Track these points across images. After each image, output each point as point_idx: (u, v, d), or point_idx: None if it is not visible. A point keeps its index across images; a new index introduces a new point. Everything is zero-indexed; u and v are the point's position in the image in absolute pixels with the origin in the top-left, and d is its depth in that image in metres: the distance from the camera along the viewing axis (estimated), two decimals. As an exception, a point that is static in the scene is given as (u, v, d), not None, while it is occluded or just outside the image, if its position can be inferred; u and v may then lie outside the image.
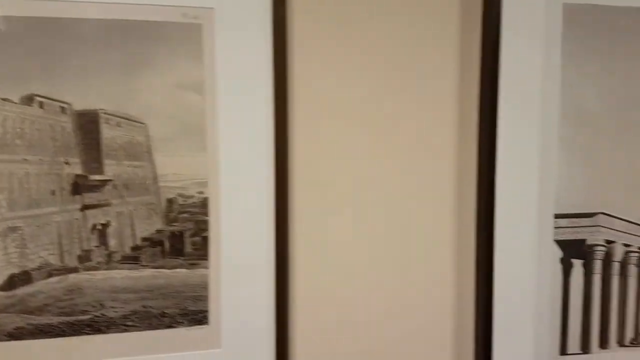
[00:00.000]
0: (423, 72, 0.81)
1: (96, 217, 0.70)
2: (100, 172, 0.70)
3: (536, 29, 0.80)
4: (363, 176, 0.80)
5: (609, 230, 0.87)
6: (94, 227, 0.70)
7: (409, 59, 0.80)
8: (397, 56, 0.80)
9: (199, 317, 0.74)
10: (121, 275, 0.72)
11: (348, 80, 0.78)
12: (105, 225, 0.71)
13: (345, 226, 0.79)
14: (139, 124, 0.71)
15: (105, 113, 0.70)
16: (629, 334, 0.89)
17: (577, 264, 0.87)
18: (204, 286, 0.74)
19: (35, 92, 0.68)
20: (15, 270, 0.69)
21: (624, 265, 0.88)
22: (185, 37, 0.71)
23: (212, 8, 0.71)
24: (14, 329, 0.69)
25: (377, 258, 0.82)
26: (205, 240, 0.73)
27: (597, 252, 0.87)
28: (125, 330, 0.73)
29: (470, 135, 0.83)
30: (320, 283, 0.79)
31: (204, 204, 0.72)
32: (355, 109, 0.79)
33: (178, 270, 0.73)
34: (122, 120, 0.71)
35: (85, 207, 0.70)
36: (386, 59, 0.79)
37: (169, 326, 0.74)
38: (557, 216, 0.84)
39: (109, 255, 0.71)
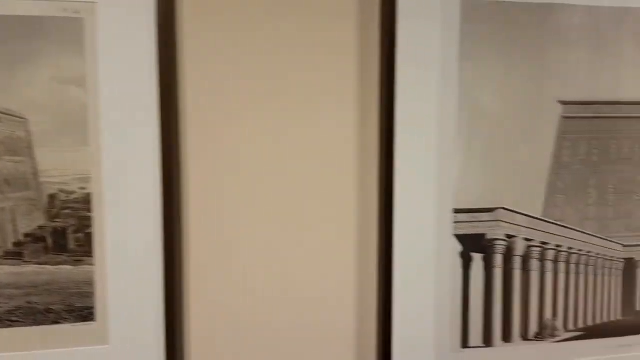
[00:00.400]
0: (321, 70, 0.81)
1: (-21, 213, 0.70)
2: (-19, 168, 0.70)
3: (433, 25, 0.81)
4: (258, 173, 0.80)
5: (510, 224, 0.88)
6: (-24, 223, 0.70)
7: (305, 57, 0.80)
8: (293, 54, 0.80)
9: (85, 314, 0.74)
10: (4, 271, 0.71)
11: (242, 73, 0.78)
12: (-12, 221, 0.70)
13: (239, 224, 0.79)
14: (20, 119, 0.70)
15: (-15, 108, 0.69)
16: (533, 327, 0.90)
17: (478, 258, 0.87)
18: (90, 283, 0.73)
19: None
20: None
21: (525, 259, 0.89)
22: (66, 31, 0.70)
23: (94, 2, 0.71)
24: None
25: (274, 255, 0.82)
26: (89, 236, 0.73)
27: (498, 247, 0.88)
28: (10, 326, 0.72)
29: (371, 133, 0.83)
30: (213, 279, 0.79)
31: (86, 200, 0.72)
32: (249, 103, 0.79)
33: (62, 266, 0.72)
34: (2, 115, 0.70)
35: (-33, 203, 0.69)
36: (281, 57, 0.79)
37: (55, 322, 0.73)
38: (457, 211, 0.85)
39: (-8, 252, 0.70)
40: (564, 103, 0.87)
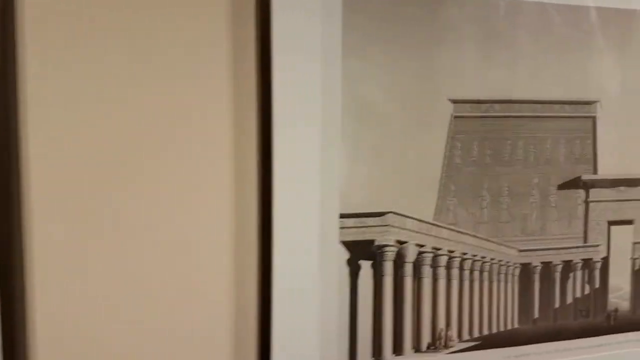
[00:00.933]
0: (189, 66, 0.74)
1: None
2: None
3: (312, 16, 0.74)
4: (114, 173, 0.72)
5: (400, 230, 0.83)
6: None
7: (170, 50, 0.73)
8: (155, 46, 0.72)
9: None
10: None
11: (91, 69, 0.69)
12: None
13: (91, 230, 0.71)
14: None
15: None
16: (426, 338, 0.86)
17: (366, 266, 0.82)
18: None
19: None
20: None
21: (417, 266, 0.85)
22: None
23: None
24: None
25: (138, 261, 0.74)
26: None
27: (387, 253, 0.82)
28: None
29: (248, 134, 0.76)
30: (60, 289, 0.70)
31: None
32: (101, 100, 0.70)
33: None
34: None
35: None
36: (141, 49, 0.71)
37: None
38: (343, 216, 0.79)
39: None
40: (455, 101, 0.83)
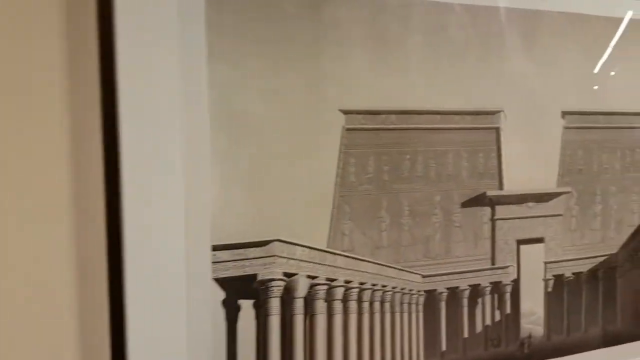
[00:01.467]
0: (19, 68, 0.60)
1: None
2: None
3: (165, 13, 0.63)
4: None
5: (288, 260, 0.72)
6: None
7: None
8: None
9: None
10: None
11: None
12: None
13: None
14: None
15: None
16: (321, 383, 0.76)
17: (247, 306, 0.70)
18: None
19: None
20: None
21: (310, 301, 0.74)
22: None
23: None
24: None
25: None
26: None
27: (273, 289, 0.71)
28: None
29: (91, 154, 0.63)
30: None
31: None
32: None
33: None
34: None
35: None
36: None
37: None
38: (216, 248, 0.67)
39: None
40: (346, 112, 0.74)
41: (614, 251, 0.94)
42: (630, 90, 0.93)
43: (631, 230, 0.95)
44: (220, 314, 0.67)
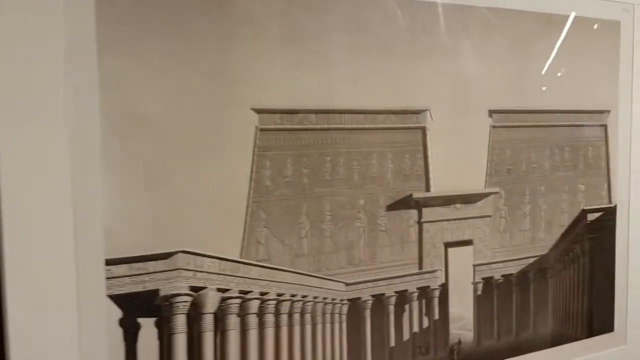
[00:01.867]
0: None
1: None
2: None
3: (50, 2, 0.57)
4: None
5: (195, 273, 0.66)
6: None
7: None
8: None
9: None
10: None
11: None
12: None
13: None
14: None
15: None
16: (236, 404, 0.70)
17: (148, 325, 0.64)
18: None
19: None
20: None
21: (221, 317, 0.68)
22: None
23: None
24: None
25: None
26: None
27: (178, 305, 0.65)
28: None
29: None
30: None
31: None
32: None
33: None
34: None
35: None
36: None
37: None
38: (110, 262, 0.60)
39: None
40: (260, 111, 0.69)
41: (545, 252, 0.93)
42: (559, 88, 0.92)
43: (562, 230, 0.95)
44: (117, 334, 0.60)
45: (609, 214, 1.00)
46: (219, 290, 0.66)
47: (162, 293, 0.62)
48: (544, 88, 0.90)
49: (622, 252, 1.03)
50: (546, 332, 0.94)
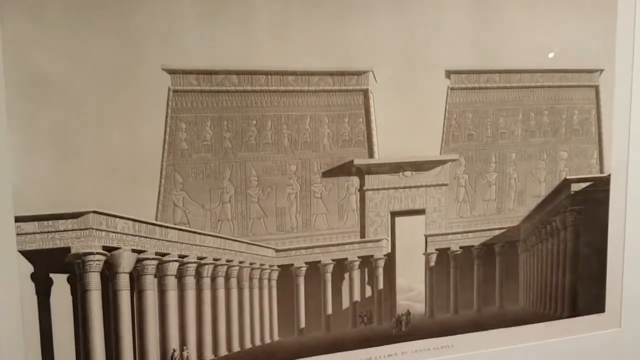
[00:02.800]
0: None
1: None
2: None
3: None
4: None
5: (108, 233, 0.67)
6: None
7: None
8: None
9: None
10: None
11: None
12: None
13: None
14: None
15: None
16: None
17: (61, 281, 0.67)
18: None
19: None
20: None
21: (137, 277, 0.69)
22: None
23: None
24: None
25: None
26: None
27: (91, 263, 0.67)
28: None
29: None
30: None
31: None
32: None
33: None
34: None
35: None
36: None
37: None
38: (20, 219, 0.63)
39: None
40: (172, 72, 0.67)
41: (515, 224, 0.86)
42: (537, 44, 0.83)
43: (537, 201, 0.87)
44: (30, 287, 0.64)
45: (600, 184, 0.90)
46: (134, 251, 0.68)
47: (73, 251, 0.65)
48: (514, 46, 0.81)
49: (617, 227, 0.93)
50: (515, 309, 0.88)
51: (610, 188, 0.91)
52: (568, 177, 0.88)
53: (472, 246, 0.84)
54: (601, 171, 0.90)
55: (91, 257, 0.66)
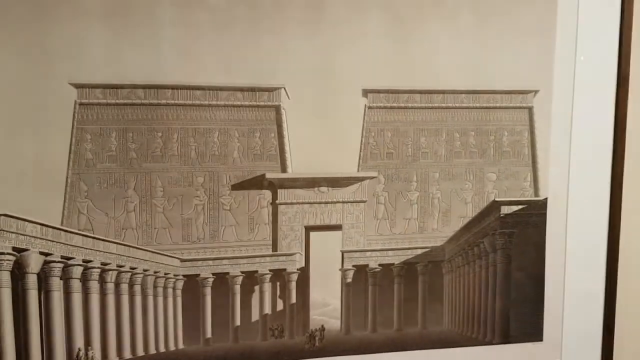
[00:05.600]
0: None
1: None
2: None
3: None
4: None
5: (18, 235, 0.71)
6: None
7: None
8: None
9: None
10: None
11: None
12: None
13: None
14: None
15: None
16: (60, 359, 0.73)
17: (-32, 279, 0.71)
18: None
19: None
20: None
21: (44, 278, 0.71)
22: None
23: None
24: None
25: None
26: None
27: (2, 262, 0.69)
28: None
29: None
30: None
31: None
32: None
33: None
34: None
35: None
36: None
37: None
38: None
39: None
40: (79, 86, 0.71)
41: (439, 244, 0.85)
42: (463, 65, 0.81)
43: (463, 222, 0.86)
44: (-63, 285, 0.69)
45: (535, 207, 0.88)
46: (42, 253, 0.71)
47: (-15, 252, 0.69)
48: (437, 67, 0.79)
49: (557, 252, 0.90)
50: (439, 330, 0.86)
51: (547, 212, 0.88)
52: (497, 199, 0.86)
53: (392, 264, 0.84)
54: (536, 194, 0.87)
55: (2, 256, 0.70)
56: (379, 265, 0.83)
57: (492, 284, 0.88)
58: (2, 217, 0.69)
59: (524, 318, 0.89)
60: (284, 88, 0.76)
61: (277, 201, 0.79)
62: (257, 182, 0.77)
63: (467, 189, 0.85)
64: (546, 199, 0.87)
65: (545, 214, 0.87)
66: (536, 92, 0.85)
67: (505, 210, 0.86)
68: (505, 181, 0.86)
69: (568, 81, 0.86)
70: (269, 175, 0.78)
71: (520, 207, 0.87)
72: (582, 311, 0.91)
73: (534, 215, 0.87)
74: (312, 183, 0.79)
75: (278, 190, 0.78)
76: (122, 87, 0.71)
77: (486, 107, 0.84)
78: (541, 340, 0.91)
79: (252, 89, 0.76)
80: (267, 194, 0.78)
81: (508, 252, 0.87)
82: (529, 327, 0.89)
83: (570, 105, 0.87)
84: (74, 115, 0.70)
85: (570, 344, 0.92)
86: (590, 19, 0.83)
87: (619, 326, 0.92)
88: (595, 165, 0.87)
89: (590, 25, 0.83)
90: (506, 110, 0.85)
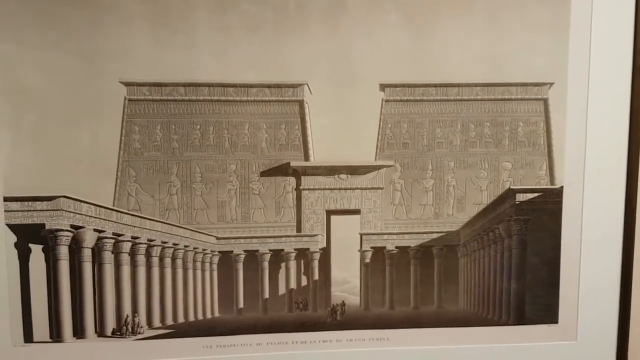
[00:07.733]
0: None
1: None
2: None
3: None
4: None
5: (75, 214, 0.82)
6: None
7: None
8: None
9: None
10: None
11: None
12: None
13: None
14: None
15: None
16: (110, 324, 0.85)
17: (37, 250, 0.83)
18: None
19: None
20: None
21: (98, 251, 0.84)
22: None
23: None
24: None
25: None
26: None
27: (61, 237, 0.82)
28: None
29: None
30: None
31: None
32: None
33: None
34: None
35: None
36: None
37: None
38: (8, 199, 0.80)
39: None
40: (128, 84, 0.81)
41: (454, 229, 0.90)
42: (477, 58, 0.86)
43: (478, 208, 0.90)
44: (13, 253, 0.81)
45: (550, 195, 0.91)
46: (96, 230, 0.82)
47: (47, 227, 0.81)
48: (451, 61, 0.84)
49: (573, 240, 0.92)
50: (455, 310, 0.91)
51: (563, 200, 0.91)
52: (513, 187, 0.90)
53: (409, 247, 0.90)
54: (552, 183, 0.91)
55: (61, 232, 0.82)
56: (396, 247, 0.90)
57: (507, 268, 0.92)
58: (62, 199, 0.81)
59: (539, 301, 0.93)
60: (307, 84, 0.84)
61: (301, 187, 0.87)
62: (282, 170, 0.86)
63: (482, 177, 0.90)
64: (562, 187, 0.91)
65: (561, 202, 0.91)
66: (551, 84, 0.88)
67: (521, 197, 0.91)
68: (520, 170, 0.90)
69: (583, 73, 0.88)
70: (293, 164, 0.86)
71: (535, 195, 0.91)
72: (598, 294, 0.94)
73: (549, 203, 0.91)
74: (332, 171, 0.87)
75: (301, 177, 0.86)
76: (165, 85, 0.81)
77: (501, 99, 0.88)
78: (556, 322, 0.95)
79: (278, 85, 0.84)
80: (292, 180, 0.86)
81: (523, 237, 0.91)
82: (544, 310, 0.93)
83: (585, 97, 0.89)
84: (123, 109, 0.81)
85: (585, 326, 0.96)
86: (605, 11, 0.86)
87: (635, 310, 0.94)
88: (611, 155, 0.89)
89: (604, 17, 0.86)
90: (521, 102, 0.89)
